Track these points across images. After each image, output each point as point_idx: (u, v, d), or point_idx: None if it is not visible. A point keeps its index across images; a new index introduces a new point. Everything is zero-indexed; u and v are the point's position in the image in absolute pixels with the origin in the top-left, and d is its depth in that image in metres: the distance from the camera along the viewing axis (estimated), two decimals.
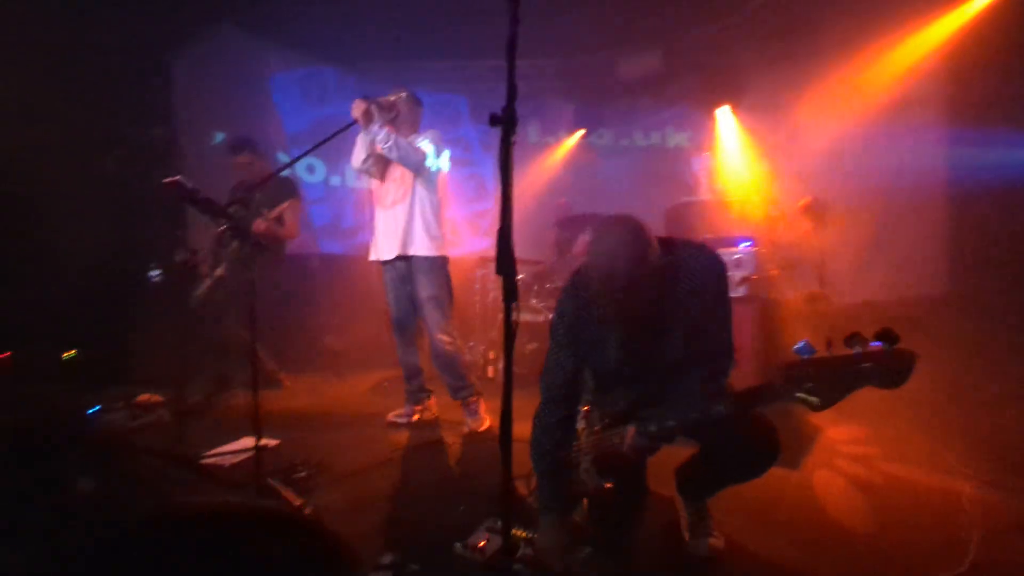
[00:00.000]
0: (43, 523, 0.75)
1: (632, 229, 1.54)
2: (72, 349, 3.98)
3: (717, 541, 1.83)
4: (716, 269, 1.68)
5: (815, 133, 5.40)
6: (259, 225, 3.77)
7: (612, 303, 1.58)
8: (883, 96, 4.92)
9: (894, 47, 4.87)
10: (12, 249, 3.78)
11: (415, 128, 3.19)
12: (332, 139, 2.70)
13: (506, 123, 1.21)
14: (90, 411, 3.02)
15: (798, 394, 1.40)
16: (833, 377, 1.36)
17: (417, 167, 3.02)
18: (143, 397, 3.56)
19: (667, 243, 1.68)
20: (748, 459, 1.74)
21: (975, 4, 4.55)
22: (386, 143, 2.90)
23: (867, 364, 1.32)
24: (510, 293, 1.19)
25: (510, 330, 1.20)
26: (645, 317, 1.66)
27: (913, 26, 4.79)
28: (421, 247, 3.08)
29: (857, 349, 1.34)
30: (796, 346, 1.41)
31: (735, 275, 3.49)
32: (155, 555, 0.73)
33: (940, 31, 4.71)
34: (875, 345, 1.32)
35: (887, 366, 1.30)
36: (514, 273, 1.19)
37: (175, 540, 0.75)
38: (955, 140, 4.58)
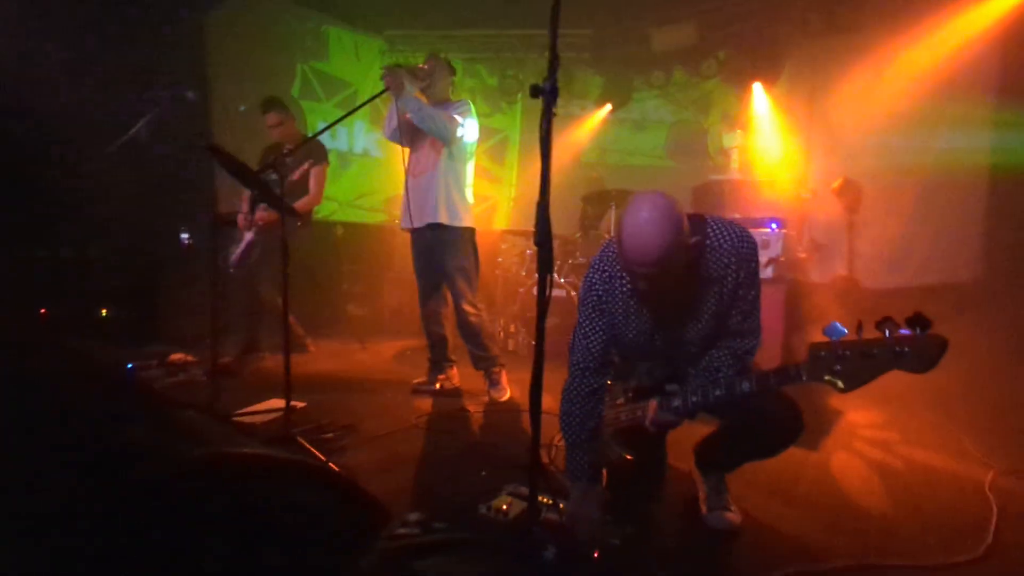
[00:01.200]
0: (95, 466, 0.79)
1: (664, 205, 1.53)
2: (104, 309, 4.12)
3: (734, 515, 1.86)
4: (747, 247, 1.67)
5: (853, 112, 5.23)
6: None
7: (642, 279, 1.58)
8: (927, 76, 4.73)
9: (942, 25, 4.67)
10: (49, 209, 3.89)
11: (447, 97, 3.17)
12: (364, 106, 2.71)
13: (548, 94, 1.20)
14: (128, 366, 3.15)
15: (825, 376, 1.41)
16: (861, 360, 1.37)
17: (447, 137, 3.00)
18: (176, 356, 3.69)
19: (698, 220, 1.68)
20: (770, 436, 1.76)
21: None
22: (417, 112, 2.89)
23: (896, 348, 1.32)
24: (546, 264, 1.21)
25: (544, 300, 1.22)
26: (674, 293, 1.66)
27: (963, 4, 4.58)
28: (448, 216, 3.08)
29: (887, 333, 1.34)
30: (826, 327, 1.42)
31: (762, 256, 3.46)
32: (209, 498, 0.77)
33: (991, 11, 4.50)
34: (905, 331, 1.32)
35: (916, 351, 1.30)
36: (551, 244, 1.20)
37: (228, 485, 0.79)
38: (1000, 123, 4.42)
